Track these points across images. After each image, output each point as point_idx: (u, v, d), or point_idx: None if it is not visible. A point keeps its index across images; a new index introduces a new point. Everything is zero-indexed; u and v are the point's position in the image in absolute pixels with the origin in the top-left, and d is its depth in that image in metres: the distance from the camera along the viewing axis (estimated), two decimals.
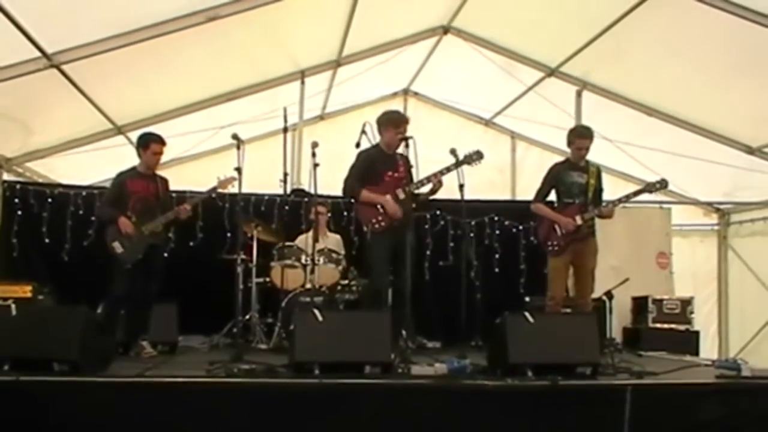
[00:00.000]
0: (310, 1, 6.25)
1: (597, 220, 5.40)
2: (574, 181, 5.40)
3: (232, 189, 5.15)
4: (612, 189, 5.69)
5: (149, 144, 5.22)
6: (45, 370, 3.61)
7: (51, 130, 6.68)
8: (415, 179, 5.08)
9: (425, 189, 5.08)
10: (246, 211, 6.73)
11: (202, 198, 5.63)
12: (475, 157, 4.93)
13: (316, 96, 8.03)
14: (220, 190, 5.37)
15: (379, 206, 4.95)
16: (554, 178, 5.47)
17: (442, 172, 4.95)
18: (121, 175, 5.30)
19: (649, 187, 5.40)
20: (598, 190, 5.49)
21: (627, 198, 5.39)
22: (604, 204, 5.41)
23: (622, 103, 7.40)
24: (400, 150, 5.16)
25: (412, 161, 5.12)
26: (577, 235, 5.30)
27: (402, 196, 4.97)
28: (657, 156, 7.39)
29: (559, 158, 5.97)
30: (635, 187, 7.04)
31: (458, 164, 4.87)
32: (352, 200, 5.27)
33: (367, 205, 5.00)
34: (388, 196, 4.94)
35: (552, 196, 5.56)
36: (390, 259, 5.01)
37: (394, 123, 5.10)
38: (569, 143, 5.50)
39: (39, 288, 5.84)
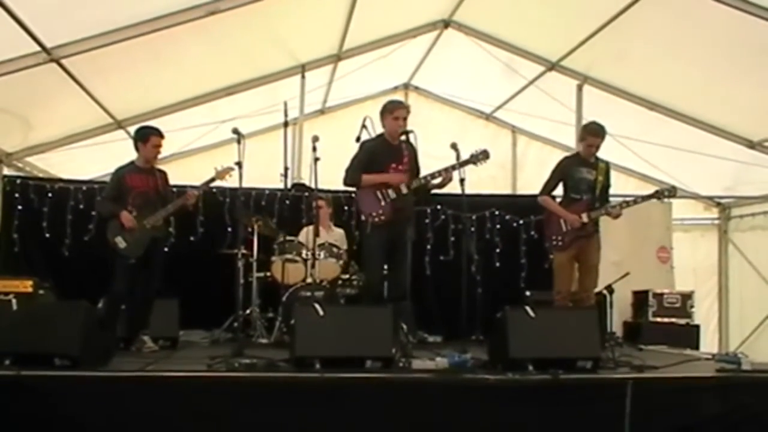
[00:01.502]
0: None
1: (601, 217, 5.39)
2: (583, 176, 5.37)
3: (232, 183, 5.11)
4: (613, 184, 5.68)
5: (149, 137, 5.16)
6: (46, 365, 3.62)
7: (51, 124, 6.67)
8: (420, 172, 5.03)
9: (435, 182, 4.97)
10: (246, 206, 6.72)
11: (202, 188, 5.58)
12: (482, 156, 4.86)
13: (316, 90, 8.01)
14: (218, 181, 5.33)
15: (380, 196, 4.87)
16: (563, 172, 5.45)
17: (447, 170, 4.86)
18: (119, 170, 5.22)
19: (658, 194, 5.37)
20: (606, 186, 5.47)
21: (635, 202, 5.38)
22: (612, 205, 5.38)
23: (623, 97, 7.37)
24: (404, 139, 5.05)
25: None
26: (582, 232, 5.29)
27: (405, 191, 4.90)
28: (658, 150, 7.38)
29: (561, 153, 5.96)
30: (635, 182, 7.06)
31: (465, 163, 4.80)
32: (354, 189, 5.17)
33: (368, 196, 4.92)
34: (390, 190, 4.88)
35: (558, 190, 5.54)
36: (387, 252, 4.96)
37: (389, 109, 5.03)
38: (581, 139, 5.48)
39: (39, 283, 5.83)
